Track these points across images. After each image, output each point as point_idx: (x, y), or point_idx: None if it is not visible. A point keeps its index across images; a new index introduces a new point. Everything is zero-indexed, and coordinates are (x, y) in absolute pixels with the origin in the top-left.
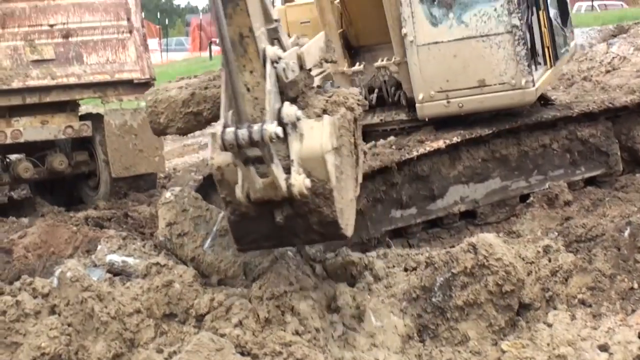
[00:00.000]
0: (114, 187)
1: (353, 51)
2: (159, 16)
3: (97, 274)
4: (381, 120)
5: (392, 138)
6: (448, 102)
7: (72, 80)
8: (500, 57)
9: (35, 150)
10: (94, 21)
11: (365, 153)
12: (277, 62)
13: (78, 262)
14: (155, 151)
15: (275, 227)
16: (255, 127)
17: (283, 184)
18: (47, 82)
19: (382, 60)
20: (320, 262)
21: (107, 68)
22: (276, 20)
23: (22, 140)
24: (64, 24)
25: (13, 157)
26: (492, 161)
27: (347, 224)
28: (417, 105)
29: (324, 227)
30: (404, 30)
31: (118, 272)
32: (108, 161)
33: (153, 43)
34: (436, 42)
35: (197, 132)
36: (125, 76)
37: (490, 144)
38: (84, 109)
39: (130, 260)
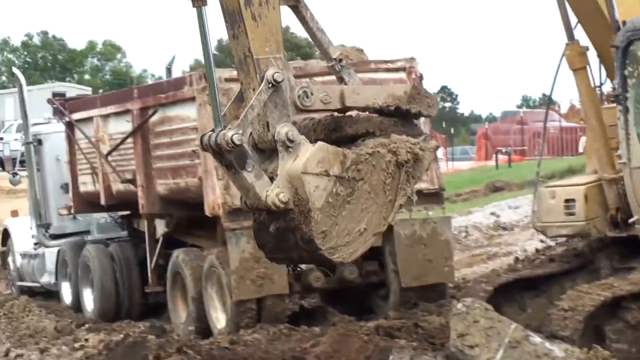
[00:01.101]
0: (403, 297)
1: None
2: (444, 125)
3: None
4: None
5: None
6: None
7: None
8: None
9: None
10: None
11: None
12: (275, 84)
13: None
14: (445, 261)
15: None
16: (220, 131)
17: (262, 194)
18: None
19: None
20: None
21: None
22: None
23: None
24: None
25: (304, 266)
26: None
27: (334, 248)
28: (636, 226)
29: (305, 244)
30: (618, 152)
31: None
32: (398, 271)
33: (438, 152)
34: None
35: (485, 242)
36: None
37: None
38: None
39: None
